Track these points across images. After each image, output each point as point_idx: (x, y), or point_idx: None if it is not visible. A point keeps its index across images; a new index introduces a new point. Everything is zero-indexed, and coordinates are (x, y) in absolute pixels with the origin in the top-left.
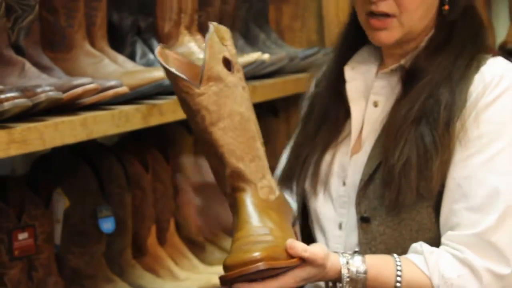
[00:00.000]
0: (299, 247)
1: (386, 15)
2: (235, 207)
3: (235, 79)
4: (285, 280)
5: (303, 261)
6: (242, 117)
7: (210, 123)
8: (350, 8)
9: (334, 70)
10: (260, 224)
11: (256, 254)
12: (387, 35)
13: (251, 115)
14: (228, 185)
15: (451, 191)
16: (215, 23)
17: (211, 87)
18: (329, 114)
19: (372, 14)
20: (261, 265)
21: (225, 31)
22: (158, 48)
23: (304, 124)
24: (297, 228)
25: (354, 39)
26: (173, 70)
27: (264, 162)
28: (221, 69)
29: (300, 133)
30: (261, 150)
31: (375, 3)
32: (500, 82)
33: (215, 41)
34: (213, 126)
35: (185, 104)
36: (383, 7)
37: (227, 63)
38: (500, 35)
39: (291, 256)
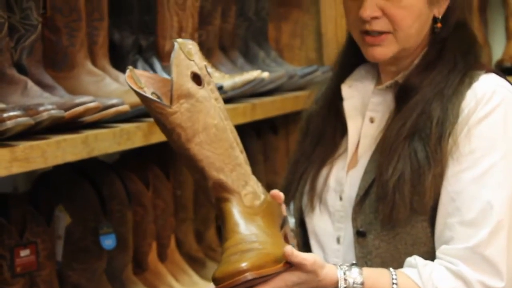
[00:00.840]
0: (295, 254)
1: (381, 32)
2: (222, 217)
3: (206, 92)
4: (276, 284)
5: (291, 266)
6: (217, 128)
7: (186, 139)
8: (347, 28)
9: (331, 88)
10: (247, 232)
11: (243, 265)
12: (382, 51)
13: (227, 125)
14: (212, 197)
15: (445, 205)
16: (180, 40)
17: (183, 104)
18: (326, 131)
19: (366, 32)
20: (248, 275)
21: (191, 45)
22: (127, 72)
23: (301, 141)
24: (288, 228)
25: (352, 58)
26: (143, 93)
27: (246, 169)
28: (190, 85)
29: (297, 150)
30: (241, 157)
31: (368, 22)
32: (492, 98)
33: (181, 59)
34: (190, 142)
35: (160, 124)
36: (377, 26)
37: (197, 78)
38: (497, 53)
39: (278, 262)
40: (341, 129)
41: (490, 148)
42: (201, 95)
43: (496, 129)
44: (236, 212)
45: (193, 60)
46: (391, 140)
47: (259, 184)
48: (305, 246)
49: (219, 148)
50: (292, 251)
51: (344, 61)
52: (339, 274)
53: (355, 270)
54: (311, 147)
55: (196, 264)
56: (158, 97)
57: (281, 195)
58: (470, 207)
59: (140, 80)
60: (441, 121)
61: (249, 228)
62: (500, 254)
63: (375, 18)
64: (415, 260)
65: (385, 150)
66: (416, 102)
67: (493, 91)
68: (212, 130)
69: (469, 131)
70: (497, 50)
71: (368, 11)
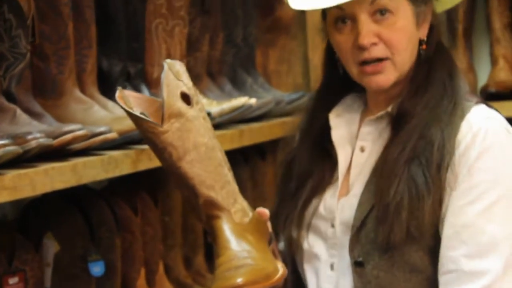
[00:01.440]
0: None
1: (379, 60)
2: (213, 234)
3: (195, 111)
4: None
5: (282, 280)
6: (207, 147)
7: (177, 158)
8: (325, 61)
9: (317, 118)
10: (238, 248)
11: (239, 280)
12: (384, 78)
13: (215, 144)
14: (203, 214)
15: (449, 239)
16: (168, 60)
17: (173, 123)
18: (314, 168)
19: (365, 62)
20: None
21: (179, 66)
22: (117, 92)
23: (284, 184)
24: (275, 244)
25: (336, 89)
26: (135, 112)
27: (234, 187)
28: (180, 104)
29: (279, 193)
30: (229, 175)
31: (368, 50)
32: (488, 132)
33: (171, 79)
34: (181, 160)
35: (151, 143)
36: (376, 53)
37: (186, 98)
38: (482, 79)
39: (270, 277)
40: (329, 162)
41: (493, 182)
42: (191, 114)
43: (497, 163)
44: (227, 229)
45: (181, 80)
46: (390, 165)
47: (246, 202)
48: (293, 273)
49: (209, 166)
50: None
51: (328, 92)
52: None
53: None
54: (299, 183)
55: None
56: (146, 117)
57: (266, 212)
58: (477, 240)
59: (129, 100)
60: (441, 147)
61: (241, 245)
62: None
63: (374, 44)
64: None
65: (384, 175)
66: (414, 126)
67: (488, 126)
68: (202, 148)
69: (470, 166)
70: (482, 75)
71: (366, 38)
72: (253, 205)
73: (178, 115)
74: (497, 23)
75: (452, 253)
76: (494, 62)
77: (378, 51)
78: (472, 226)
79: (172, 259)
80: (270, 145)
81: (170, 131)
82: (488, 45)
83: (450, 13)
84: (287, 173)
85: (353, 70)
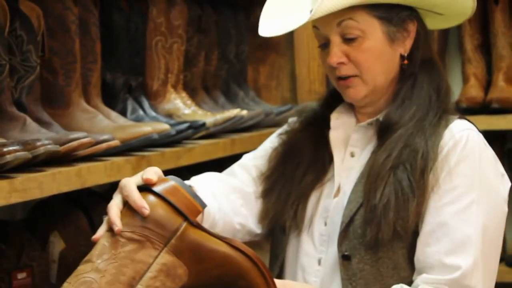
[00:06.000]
0: None
1: (349, 76)
2: None
3: None
4: None
5: None
6: None
7: None
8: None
9: (320, 117)
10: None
11: None
12: (354, 92)
13: None
14: None
15: (426, 235)
16: None
17: None
18: (316, 160)
19: (339, 77)
20: None
21: None
22: None
23: (281, 163)
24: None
25: (338, 94)
26: None
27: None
28: None
29: (275, 171)
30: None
31: (337, 68)
32: (468, 141)
33: None
34: None
35: None
36: (344, 71)
37: None
38: (454, 95)
39: None
40: (328, 157)
41: (469, 186)
42: None
43: (474, 170)
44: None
45: None
46: (377, 170)
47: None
48: (276, 264)
49: None
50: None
51: (335, 92)
52: None
53: None
54: (301, 173)
55: None
56: None
57: (152, 180)
58: (450, 238)
59: None
60: (425, 154)
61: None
62: (481, 282)
63: (342, 64)
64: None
65: (371, 178)
66: (399, 136)
67: (469, 135)
68: None
69: (450, 170)
70: (455, 92)
71: (334, 58)
72: None
73: None
74: (469, 45)
75: (428, 249)
76: (465, 80)
77: (346, 69)
78: (447, 225)
79: None
80: None
81: None
82: (460, 64)
83: None
84: (286, 153)
85: (333, 82)
